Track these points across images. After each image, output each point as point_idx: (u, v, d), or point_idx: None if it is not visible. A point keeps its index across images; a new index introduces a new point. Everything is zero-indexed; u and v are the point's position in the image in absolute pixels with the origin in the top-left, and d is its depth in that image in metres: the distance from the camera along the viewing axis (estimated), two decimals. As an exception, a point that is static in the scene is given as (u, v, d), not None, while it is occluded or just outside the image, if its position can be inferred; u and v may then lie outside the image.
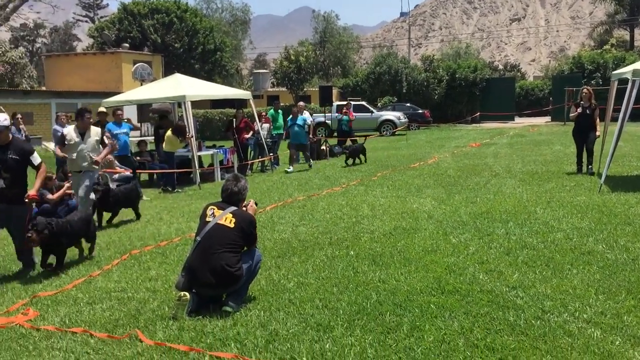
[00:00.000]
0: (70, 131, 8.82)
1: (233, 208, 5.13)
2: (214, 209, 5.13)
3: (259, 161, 16.47)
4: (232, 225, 4.99)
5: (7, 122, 6.33)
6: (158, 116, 16.82)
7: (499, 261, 6.05)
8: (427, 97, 38.46)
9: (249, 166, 15.96)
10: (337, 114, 23.28)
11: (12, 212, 6.50)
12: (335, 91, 36.85)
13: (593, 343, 4.03)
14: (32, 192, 6.49)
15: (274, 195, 11.35)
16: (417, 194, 10.60)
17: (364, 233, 7.68)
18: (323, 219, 8.83)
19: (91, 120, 9.15)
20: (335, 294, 5.27)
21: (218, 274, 4.85)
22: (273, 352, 4.12)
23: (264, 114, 18.51)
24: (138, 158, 14.17)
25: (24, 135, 12.63)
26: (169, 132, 13.59)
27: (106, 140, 11.89)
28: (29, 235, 6.16)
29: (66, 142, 8.72)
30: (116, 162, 12.15)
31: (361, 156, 17.10)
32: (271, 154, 16.59)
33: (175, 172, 13.45)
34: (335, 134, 22.62)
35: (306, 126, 16.54)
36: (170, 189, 13.09)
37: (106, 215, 9.49)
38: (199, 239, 5.00)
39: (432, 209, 9.03)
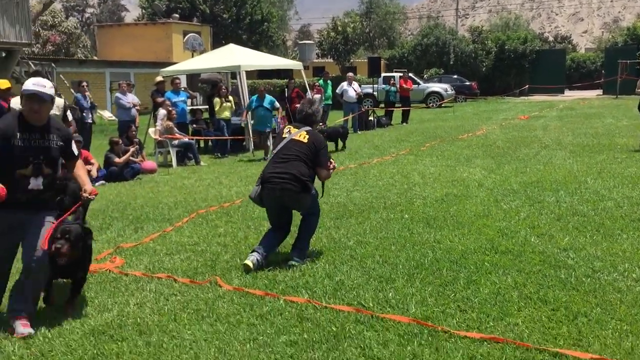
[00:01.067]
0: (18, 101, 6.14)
1: (308, 128, 5.58)
2: (290, 128, 5.62)
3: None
4: (305, 140, 5.43)
5: (52, 91, 4.16)
6: (210, 85, 17.35)
7: (549, 226, 6.31)
8: (474, 69, 38.04)
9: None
10: (384, 85, 23.42)
11: (33, 222, 4.15)
12: (381, 63, 36.77)
13: (641, 299, 4.31)
14: (91, 187, 4.37)
15: (325, 162, 11.74)
16: (466, 164, 10.82)
17: (416, 198, 8.01)
18: (376, 185, 9.18)
19: None
20: (394, 252, 5.65)
21: (291, 180, 5.25)
22: (341, 298, 4.54)
23: (316, 84, 18.82)
24: (194, 126, 14.73)
25: (89, 103, 13.28)
26: (217, 99, 14.12)
27: (163, 111, 12.48)
28: (58, 246, 4.12)
29: None
30: (175, 128, 12.71)
31: (339, 142, 14.25)
32: (321, 124, 16.94)
33: (228, 139, 13.99)
34: (382, 105, 22.80)
35: (274, 111, 13.75)
36: (219, 154, 13.67)
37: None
38: (274, 152, 5.50)
39: (482, 178, 9.27)
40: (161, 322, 4.19)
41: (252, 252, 5.37)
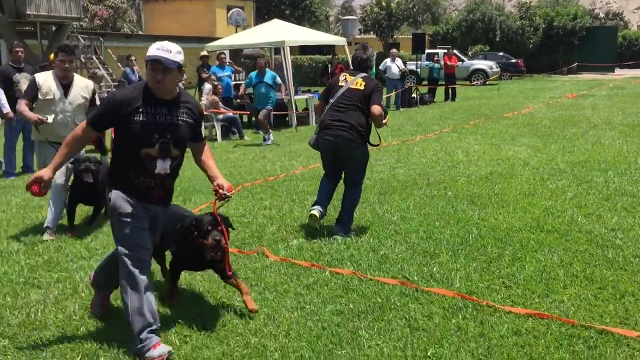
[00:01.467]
0: (46, 79, 5.87)
1: (363, 74, 5.59)
2: (345, 76, 5.64)
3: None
4: (362, 87, 5.46)
5: (179, 57, 3.46)
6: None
7: (597, 206, 6.23)
8: (521, 45, 37.14)
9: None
10: (427, 62, 23.13)
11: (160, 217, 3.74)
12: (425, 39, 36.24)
13: (691, 280, 4.25)
14: (227, 183, 3.80)
15: (368, 139, 11.77)
16: (511, 142, 10.69)
17: (460, 176, 7.98)
18: (419, 162, 9.17)
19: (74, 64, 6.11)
20: (438, 228, 5.68)
21: (348, 128, 5.34)
22: (386, 271, 4.62)
23: (357, 60, 18.74)
24: (238, 100, 14.89)
25: (138, 77, 13.56)
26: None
27: (209, 85, 12.63)
28: (217, 239, 3.73)
29: (40, 96, 5.81)
30: (220, 103, 12.89)
31: None
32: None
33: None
34: (426, 82, 22.56)
35: (276, 87, 12.85)
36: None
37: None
38: (332, 100, 5.51)
39: (528, 157, 9.15)
40: (212, 289, 4.35)
41: (314, 205, 5.58)
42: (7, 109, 8.86)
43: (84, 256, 5.11)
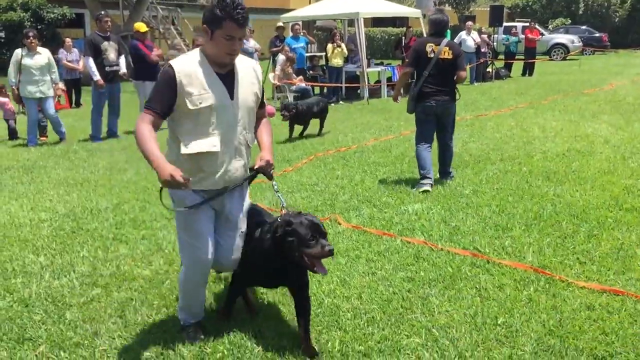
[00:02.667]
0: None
1: (446, 40, 6.16)
2: (432, 46, 6.10)
3: (424, 80, 16.62)
4: (450, 56, 6.10)
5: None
6: (327, 32, 17.47)
7: (682, 186, 5.99)
8: (605, 19, 35.34)
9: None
10: (505, 35, 22.43)
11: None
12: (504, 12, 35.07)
13: None
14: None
15: (441, 113, 11.66)
16: (591, 119, 10.32)
17: (535, 152, 7.82)
18: (493, 137, 9.03)
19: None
20: (511, 202, 5.63)
21: (444, 94, 6.19)
22: (457, 242, 4.65)
23: (432, 32, 18.43)
24: (311, 72, 15.01)
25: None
26: (330, 46, 14.22)
27: (283, 56, 12.79)
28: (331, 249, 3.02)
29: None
30: (294, 74, 13.04)
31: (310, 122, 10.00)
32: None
33: (342, 86, 14.16)
34: (502, 56, 21.91)
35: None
36: (334, 102, 13.89)
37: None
38: (425, 72, 6.09)
39: (609, 134, 8.83)
40: (286, 251, 4.52)
41: (421, 179, 6.19)
42: (97, 76, 9.33)
43: (167, 216, 5.40)
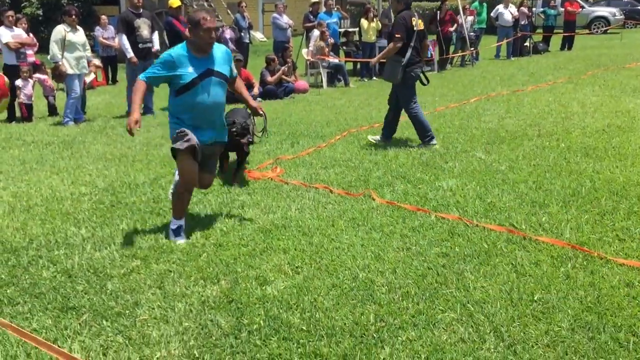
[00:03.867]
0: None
1: (415, 13, 7.14)
2: (415, 20, 6.95)
3: (459, 55, 16.36)
4: (423, 27, 7.08)
5: None
6: (362, 8, 17.27)
7: None
8: (649, -9, 34.01)
9: (449, 60, 15.97)
10: (543, 8, 21.83)
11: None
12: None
13: None
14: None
15: (476, 89, 11.46)
16: (632, 95, 10.04)
17: (574, 128, 7.66)
18: (530, 113, 8.87)
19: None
20: (548, 179, 5.55)
21: (421, 60, 7.16)
22: (492, 218, 4.61)
23: (467, 6, 18.06)
24: (344, 48, 14.89)
25: (247, 23, 13.85)
26: (364, 21, 14.06)
27: (317, 31, 12.69)
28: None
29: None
30: (327, 49, 12.95)
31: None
32: (472, 49, 16.35)
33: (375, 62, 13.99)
34: (540, 30, 21.36)
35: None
36: (367, 78, 13.80)
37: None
38: (412, 44, 6.86)
39: (651, 110, 8.59)
40: (320, 226, 4.55)
41: (430, 139, 7.02)
42: (130, 53, 9.42)
43: (202, 192, 5.47)
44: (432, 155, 6.60)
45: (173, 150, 4.23)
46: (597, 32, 26.79)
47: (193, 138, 4.14)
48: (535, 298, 3.33)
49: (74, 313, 3.38)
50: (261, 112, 4.64)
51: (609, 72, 13.29)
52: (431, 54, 15.00)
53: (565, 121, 8.12)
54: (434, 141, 7.00)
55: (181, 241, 4.32)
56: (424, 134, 7.01)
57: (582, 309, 3.20)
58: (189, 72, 4.14)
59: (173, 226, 4.39)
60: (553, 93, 10.61)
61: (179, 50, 4.21)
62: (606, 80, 11.94)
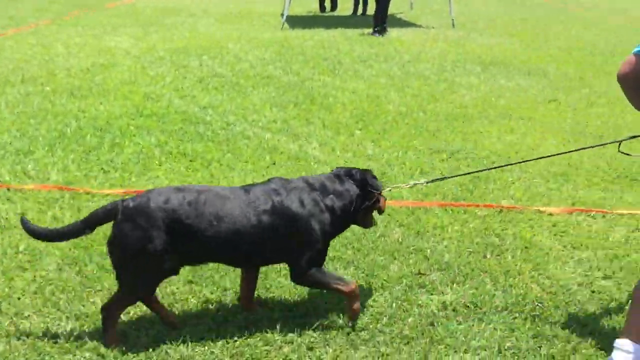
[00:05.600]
0: None
1: None
2: None
3: None
4: None
5: None
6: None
7: (192, 88, 6.69)
8: None
9: None
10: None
11: None
12: None
13: (264, 142, 5.01)
14: None
15: None
16: (113, 33, 10.47)
17: (59, 70, 7.60)
18: (12, 58, 8.32)
19: None
20: (33, 125, 5.34)
21: None
22: None
23: None
24: None
25: None
26: None
27: None
28: None
29: None
30: None
31: None
32: None
33: None
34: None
35: None
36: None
37: None
38: None
39: (129, 46, 9.11)
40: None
41: None
42: None
43: None
44: None
45: None
46: None
47: None
48: (21, 249, 3.21)
49: None
50: None
51: (92, 12, 13.48)
52: None
53: (50, 63, 7.92)
54: None
55: None
56: None
57: (69, 247, 3.20)
58: None
59: None
60: (36, 36, 10.16)
61: None
62: (89, 20, 12.08)
